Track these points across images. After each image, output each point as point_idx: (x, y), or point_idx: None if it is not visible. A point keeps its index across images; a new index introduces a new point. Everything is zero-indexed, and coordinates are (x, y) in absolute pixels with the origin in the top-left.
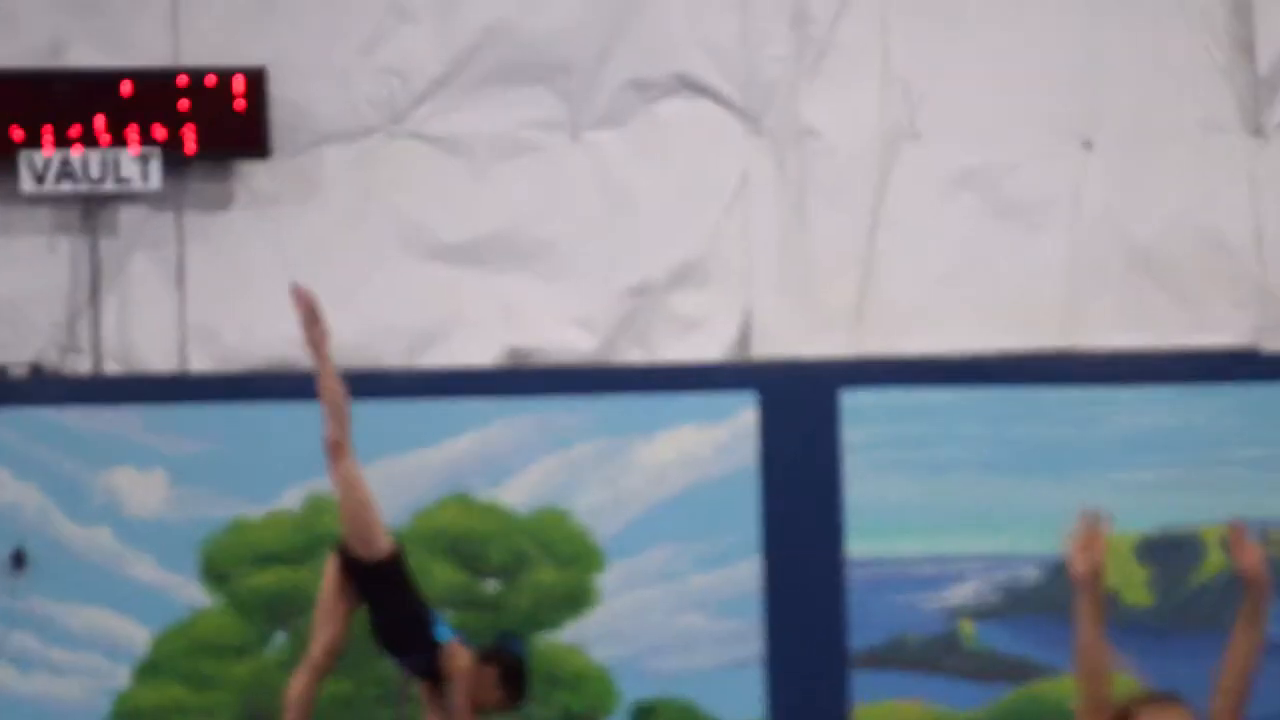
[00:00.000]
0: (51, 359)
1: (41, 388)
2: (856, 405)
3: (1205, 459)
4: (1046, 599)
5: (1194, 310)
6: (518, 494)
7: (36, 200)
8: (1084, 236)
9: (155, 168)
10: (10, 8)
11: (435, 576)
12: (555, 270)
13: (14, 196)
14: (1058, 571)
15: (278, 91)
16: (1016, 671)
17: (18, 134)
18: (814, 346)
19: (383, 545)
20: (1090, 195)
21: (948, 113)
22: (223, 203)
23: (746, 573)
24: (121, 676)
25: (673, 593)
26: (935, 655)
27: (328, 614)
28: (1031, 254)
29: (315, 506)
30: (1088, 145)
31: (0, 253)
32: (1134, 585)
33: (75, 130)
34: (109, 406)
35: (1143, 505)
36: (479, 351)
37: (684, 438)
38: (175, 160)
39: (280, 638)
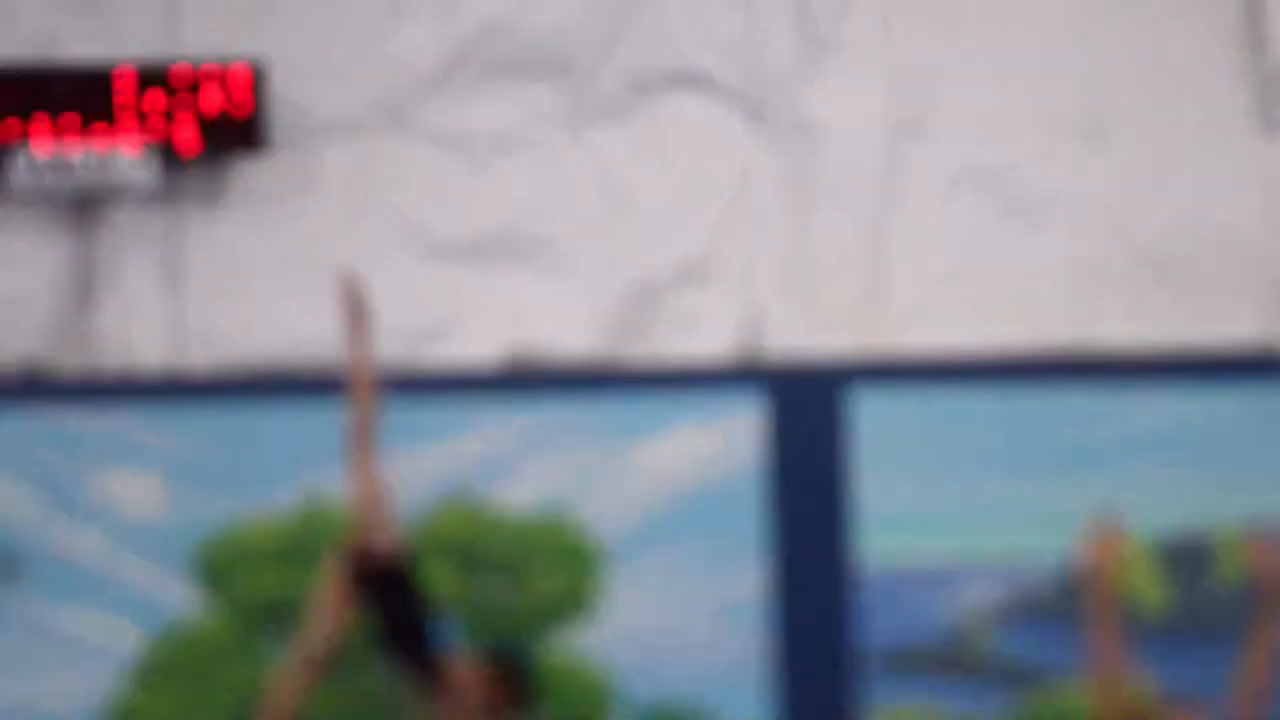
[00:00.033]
0: (45, 358)
1: (35, 387)
2: (862, 404)
3: (1221, 459)
4: (1060, 602)
5: (1207, 309)
6: (518, 495)
7: (30, 197)
8: (1094, 234)
9: (151, 165)
10: (6, 3)
11: (433, 578)
12: (556, 269)
13: (7, 193)
14: (1071, 574)
15: (276, 88)
16: (1030, 675)
17: (11, 129)
18: (819, 345)
19: (395, 540)
20: (1100, 192)
21: (954, 109)
22: (220, 200)
23: (751, 575)
24: (115, 679)
25: (677, 595)
26: (946, 659)
27: (325, 617)
28: (1041, 252)
29: (313, 508)
30: (1097, 142)
31: None
32: (1149, 587)
33: (70, 126)
34: (104, 406)
35: (1158, 506)
36: (479, 351)
37: (687, 437)
38: (172, 157)
39: (277, 640)
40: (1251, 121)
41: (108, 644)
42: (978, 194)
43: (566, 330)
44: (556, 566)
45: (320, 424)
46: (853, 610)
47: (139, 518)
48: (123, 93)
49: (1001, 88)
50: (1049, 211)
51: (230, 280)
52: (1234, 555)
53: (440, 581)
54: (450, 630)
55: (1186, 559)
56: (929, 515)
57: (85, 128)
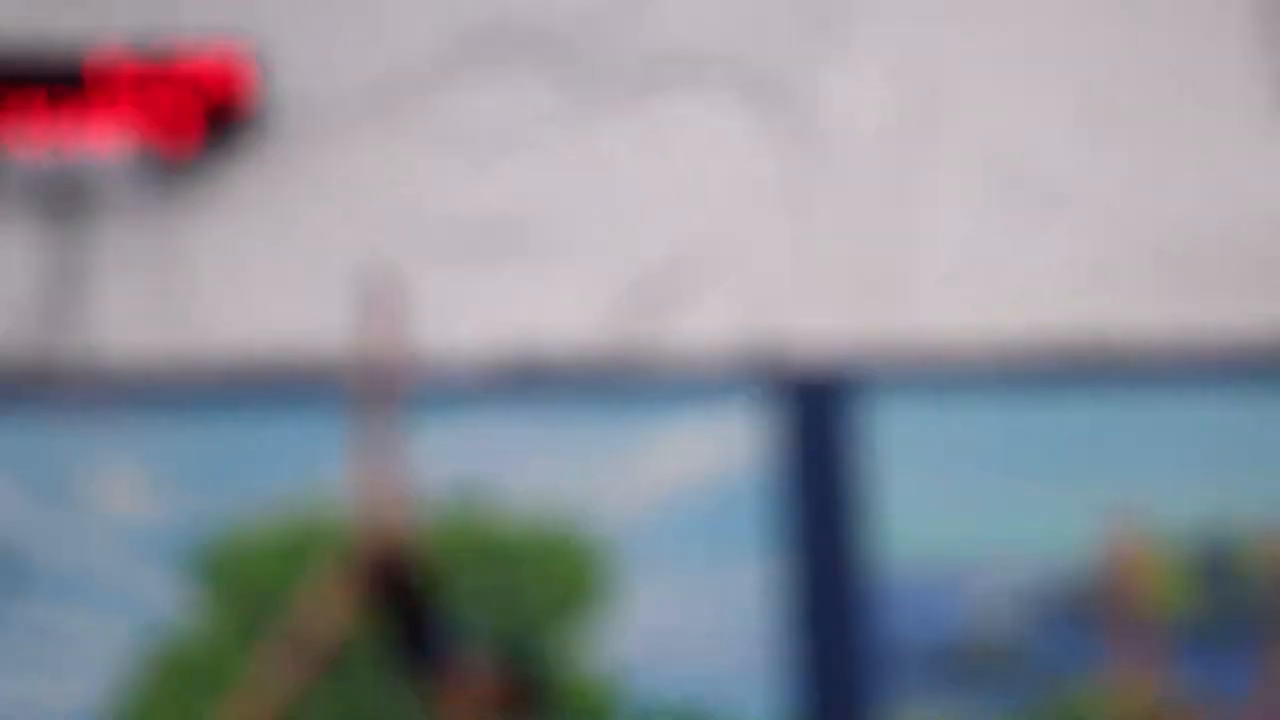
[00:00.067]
0: (36, 355)
1: (26, 385)
2: (871, 401)
3: (1249, 458)
4: (1081, 604)
5: (1232, 303)
6: (518, 494)
7: (17, 189)
8: (1112, 228)
9: (144, 159)
10: None
11: (441, 580)
12: (557, 265)
13: None
14: (1091, 576)
15: (271, 80)
16: (1051, 677)
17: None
18: (827, 342)
19: (409, 542)
20: (1120, 185)
21: (966, 101)
22: (216, 195)
23: (760, 575)
24: (113, 680)
25: (685, 595)
26: (962, 661)
27: (324, 616)
28: (1055, 248)
29: (313, 507)
30: (1114, 133)
31: None
32: (1172, 588)
33: (60, 117)
34: (97, 405)
35: (1182, 506)
36: (479, 348)
37: (692, 435)
38: (166, 151)
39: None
40: (1270, 115)
41: (106, 644)
42: (992, 189)
43: (568, 327)
44: (561, 567)
45: (321, 423)
46: (869, 611)
47: (137, 517)
48: (116, 82)
49: (1015, 81)
50: (1067, 206)
51: (226, 275)
52: (1261, 556)
53: (442, 582)
54: (461, 634)
55: (1213, 559)
56: (942, 514)
57: (76, 118)
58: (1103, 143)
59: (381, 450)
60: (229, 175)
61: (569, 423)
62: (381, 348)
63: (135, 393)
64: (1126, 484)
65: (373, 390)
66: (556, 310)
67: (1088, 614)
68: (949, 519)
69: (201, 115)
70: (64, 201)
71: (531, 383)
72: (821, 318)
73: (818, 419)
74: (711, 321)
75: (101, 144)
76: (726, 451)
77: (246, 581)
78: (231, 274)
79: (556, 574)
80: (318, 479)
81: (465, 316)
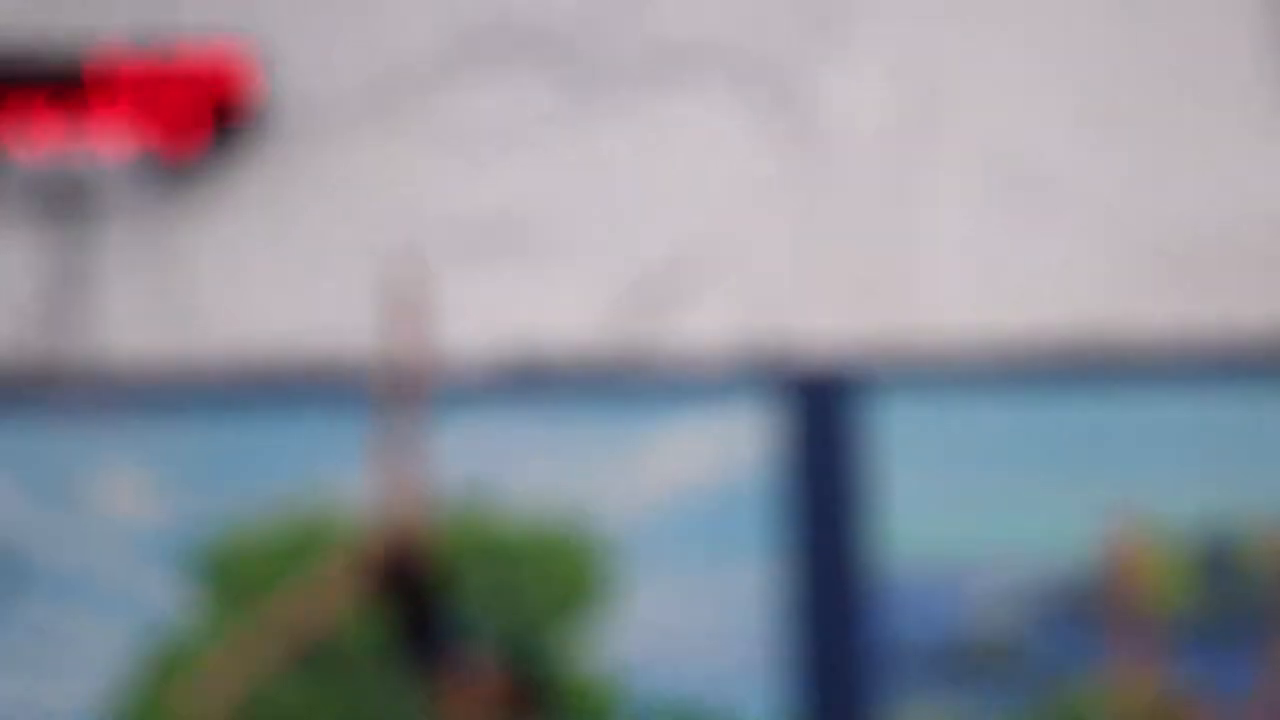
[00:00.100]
0: (38, 357)
1: (28, 386)
2: (872, 400)
3: (1251, 455)
4: (1084, 602)
5: (1234, 302)
6: (519, 494)
7: (18, 190)
8: (1114, 227)
9: (146, 159)
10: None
11: (451, 581)
12: (560, 265)
13: None
14: (1094, 573)
15: (273, 80)
16: (1054, 675)
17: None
18: (828, 341)
19: (422, 542)
20: (1122, 184)
21: (967, 100)
22: (217, 195)
23: (763, 574)
24: (114, 680)
25: (683, 594)
26: (963, 659)
27: (320, 606)
28: (1057, 247)
29: (316, 508)
30: (1116, 132)
31: None
32: (1173, 585)
33: (61, 116)
34: (100, 406)
35: (1184, 504)
36: (480, 348)
37: (693, 434)
38: (168, 152)
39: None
40: (1273, 115)
41: (108, 646)
42: (993, 188)
43: (570, 326)
44: (562, 566)
45: (326, 424)
46: (870, 610)
47: (138, 518)
48: (119, 84)
49: (1017, 78)
50: (1067, 205)
51: (227, 275)
52: (1265, 553)
53: (450, 581)
54: (465, 633)
55: (1217, 557)
56: (944, 513)
57: (75, 117)
58: (1105, 142)
59: (399, 448)
60: (231, 176)
61: (570, 422)
62: (405, 346)
63: (138, 394)
64: (1128, 482)
65: (394, 388)
66: (558, 310)
67: (1089, 612)
68: (950, 518)
69: (204, 116)
70: (65, 203)
71: (533, 383)
72: (823, 317)
73: (819, 418)
74: (713, 321)
75: (103, 145)
76: (728, 451)
77: (248, 583)
78: (234, 275)
79: (557, 573)
80: (321, 480)
81: (466, 316)
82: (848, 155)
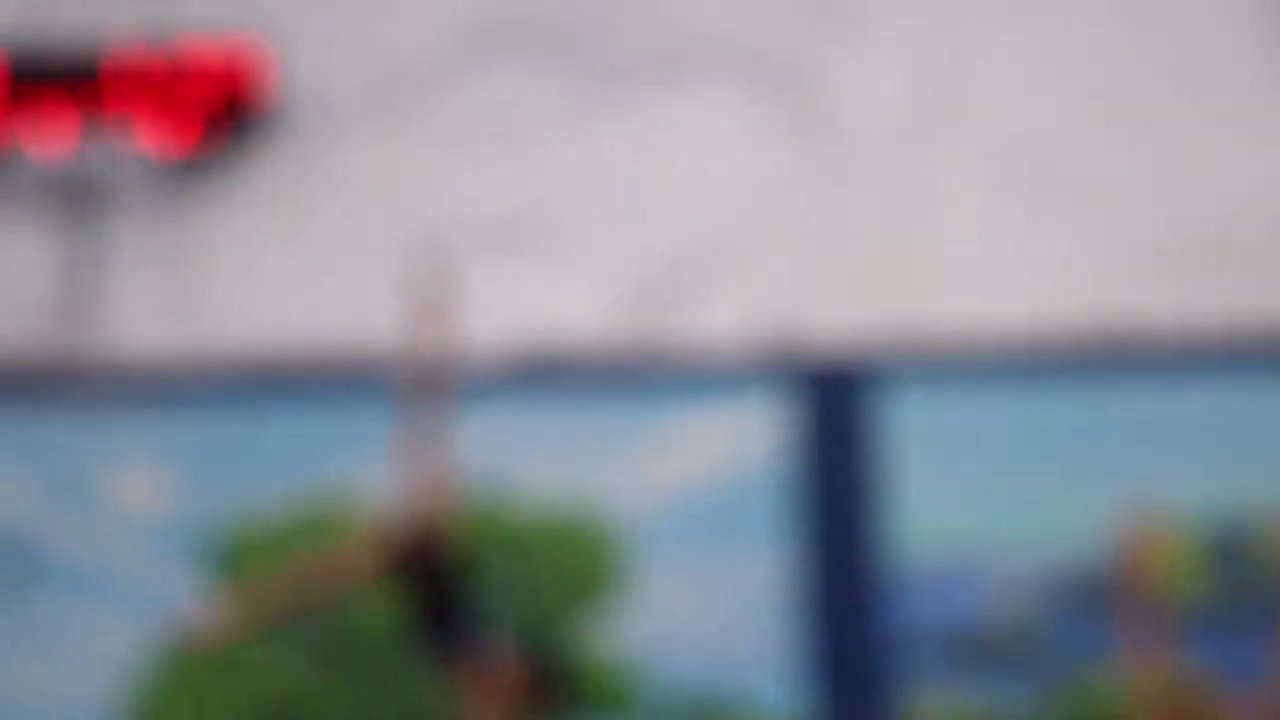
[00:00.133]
0: (52, 352)
1: (42, 381)
2: (885, 392)
3: (1261, 445)
4: (1099, 592)
5: (1244, 295)
6: (535, 486)
7: (32, 187)
8: (1128, 221)
9: (154, 157)
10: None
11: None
12: (574, 258)
13: (6, 185)
14: (1109, 563)
15: (286, 76)
16: (1070, 665)
17: (5, 116)
18: (842, 333)
19: (445, 532)
20: (1136, 178)
21: (981, 94)
22: (230, 191)
23: (777, 566)
24: (126, 675)
25: (698, 583)
26: (977, 648)
27: (335, 577)
28: (1071, 240)
29: (326, 502)
30: (1131, 127)
31: None
32: (1185, 574)
33: (75, 112)
34: (114, 401)
35: (1195, 493)
36: (497, 342)
37: (708, 426)
38: (180, 148)
39: (292, 636)
40: (1277, 111)
41: (123, 639)
42: (1007, 182)
43: (580, 321)
44: (577, 557)
45: (335, 417)
46: (884, 599)
47: (150, 513)
48: (132, 80)
49: (1033, 68)
50: (1081, 199)
51: (236, 271)
52: (1270, 540)
53: (471, 570)
54: (486, 622)
55: (1232, 547)
56: (957, 503)
57: (85, 116)
58: (1119, 137)
59: (421, 441)
60: (244, 172)
61: (585, 415)
62: (428, 340)
63: (152, 388)
64: (1140, 472)
65: (417, 381)
66: (574, 303)
67: (1101, 601)
68: (963, 508)
69: (217, 112)
70: (80, 199)
71: (548, 376)
72: (835, 310)
73: (832, 410)
74: (727, 314)
75: (117, 142)
76: (742, 442)
77: (257, 576)
78: (247, 269)
79: (573, 564)
80: (333, 474)
81: (482, 310)
82: (860, 150)
